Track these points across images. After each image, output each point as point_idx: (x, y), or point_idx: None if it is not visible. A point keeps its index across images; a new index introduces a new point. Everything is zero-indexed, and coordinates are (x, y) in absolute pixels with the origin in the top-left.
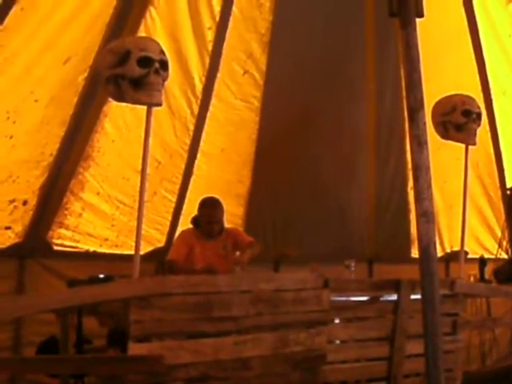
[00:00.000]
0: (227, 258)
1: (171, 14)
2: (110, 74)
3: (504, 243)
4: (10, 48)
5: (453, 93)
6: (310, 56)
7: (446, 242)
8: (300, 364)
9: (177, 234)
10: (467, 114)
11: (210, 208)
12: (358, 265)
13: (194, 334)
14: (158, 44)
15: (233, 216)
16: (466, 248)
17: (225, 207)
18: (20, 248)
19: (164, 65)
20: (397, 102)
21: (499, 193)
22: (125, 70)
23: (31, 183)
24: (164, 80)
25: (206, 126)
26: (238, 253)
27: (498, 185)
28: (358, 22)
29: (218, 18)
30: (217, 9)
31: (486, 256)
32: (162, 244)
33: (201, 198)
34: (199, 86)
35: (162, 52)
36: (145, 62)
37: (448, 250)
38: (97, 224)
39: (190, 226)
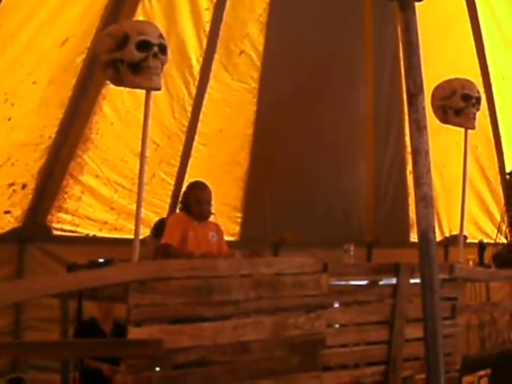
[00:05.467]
0: (216, 247)
1: None
2: (108, 58)
3: (503, 227)
4: (8, 29)
5: (452, 77)
6: (307, 38)
7: (445, 226)
8: (299, 348)
9: None
10: (467, 98)
11: (199, 189)
12: (357, 249)
13: (194, 318)
14: (157, 28)
15: (232, 198)
16: (465, 232)
17: (224, 189)
18: (19, 232)
19: (163, 49)
20: (395, 86)
21: (498, 177)
22: (123, 54)
23: (30, 166)
24: (163, 64)
25: (203, 107)
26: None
27: (497, 169)
28: (357, 4)
29: None
30: None
31: (486, 240)
32: None
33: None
34: (196, 67)
35: (161, 36)
36: (143, 45)
37: (447, 235)
38: (96, 207)
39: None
